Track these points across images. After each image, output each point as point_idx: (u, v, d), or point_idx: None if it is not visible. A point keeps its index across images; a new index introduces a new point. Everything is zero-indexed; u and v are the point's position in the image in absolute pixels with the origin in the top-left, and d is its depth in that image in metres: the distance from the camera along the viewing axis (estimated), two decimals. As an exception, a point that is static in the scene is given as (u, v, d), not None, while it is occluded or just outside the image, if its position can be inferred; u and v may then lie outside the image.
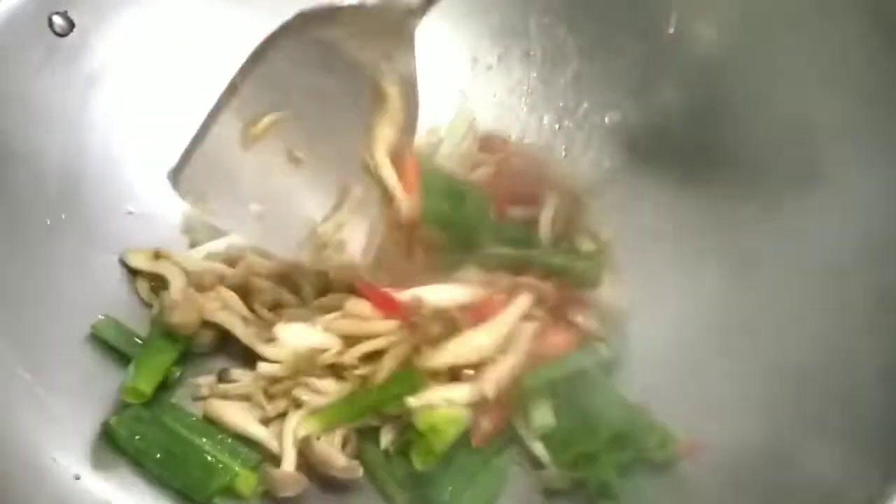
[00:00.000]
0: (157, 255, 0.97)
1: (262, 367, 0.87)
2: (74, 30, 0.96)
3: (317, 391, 0.86)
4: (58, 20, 0.95)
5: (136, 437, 0.85)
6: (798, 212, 0.89)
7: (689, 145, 1.01)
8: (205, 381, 0.91)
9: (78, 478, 0.81)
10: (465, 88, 1.12)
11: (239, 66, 0.93)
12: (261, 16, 1.04)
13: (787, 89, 0.92)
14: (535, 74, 1.10)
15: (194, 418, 0.89)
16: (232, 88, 0.82)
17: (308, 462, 0.85)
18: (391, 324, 0.86)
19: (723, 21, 0.97)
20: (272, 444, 0.86)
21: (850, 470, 0.74)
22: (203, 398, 0.91)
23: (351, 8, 0.81)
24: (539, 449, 0.87)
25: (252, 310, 0.93)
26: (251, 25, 1.07)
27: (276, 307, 0.93)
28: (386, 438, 0.87)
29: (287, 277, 0.94)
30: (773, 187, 0.92)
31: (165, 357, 0.90)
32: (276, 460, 0.86)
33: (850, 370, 0.80)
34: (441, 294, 0.89)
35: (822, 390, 0.80)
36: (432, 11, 1.08)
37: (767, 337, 0.87)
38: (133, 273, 0.98)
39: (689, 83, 1.02)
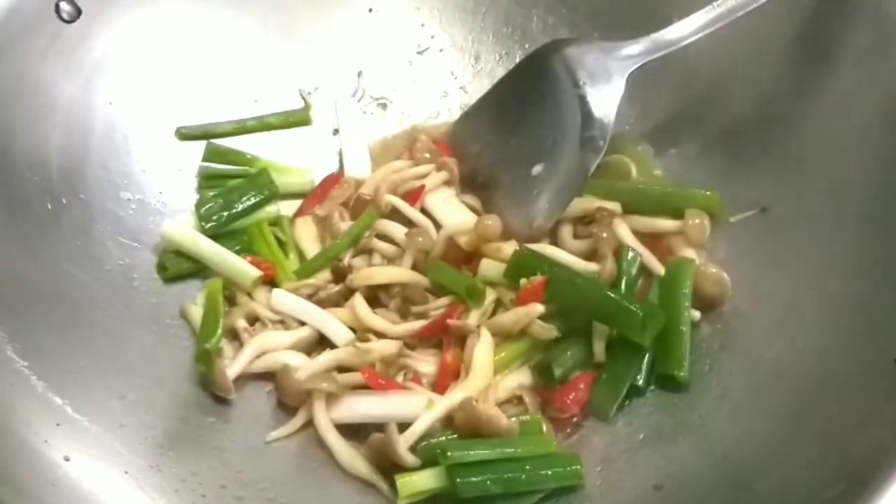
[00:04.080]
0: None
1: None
2: (80, 16, 0.97)
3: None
4: (65, 6, 0.97)
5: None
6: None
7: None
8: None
9: (67, 459, 0.81)
10: (467, 84, 1.14)
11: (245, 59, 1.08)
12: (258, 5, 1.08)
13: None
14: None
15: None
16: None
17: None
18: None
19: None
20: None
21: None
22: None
23: (585, 40, 1.01)
24: None
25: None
26: (248, 20, 1.10)
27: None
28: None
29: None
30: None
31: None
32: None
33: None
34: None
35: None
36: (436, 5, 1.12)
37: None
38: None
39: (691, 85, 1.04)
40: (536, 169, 0.99)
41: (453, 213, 1.01)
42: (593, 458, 0.88)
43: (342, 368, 0.93)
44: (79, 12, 0.97)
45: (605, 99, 0.96)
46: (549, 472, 0.84)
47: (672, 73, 1.02)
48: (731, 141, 1.01)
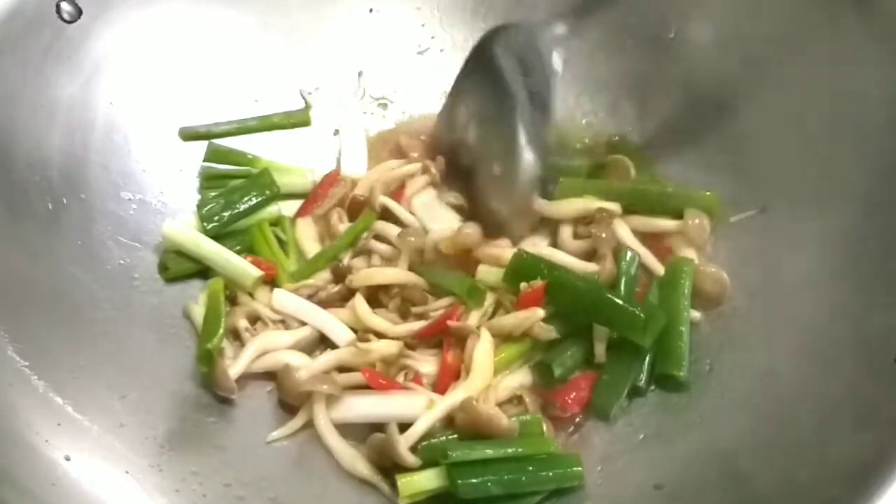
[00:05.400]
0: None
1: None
2: (81, 16, 0.97)
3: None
4: (66, 6, 0.97)
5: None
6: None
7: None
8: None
9: (68, 459, 0.81)
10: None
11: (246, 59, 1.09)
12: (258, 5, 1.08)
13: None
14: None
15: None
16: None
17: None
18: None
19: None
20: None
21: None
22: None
23: (518, 24, 1.03)
24: None
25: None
26: (249, 20, 1.10)
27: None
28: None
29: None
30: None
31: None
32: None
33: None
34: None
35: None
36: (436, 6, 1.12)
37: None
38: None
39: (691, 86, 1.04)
40: (502, 155, 1.00)
41: (435, 217, 1.02)
42: (593, 458, 0.88)
43: (343, 368, 0.93)
44: (79, 12, 0.98)
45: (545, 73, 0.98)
46: (550, 474, 0.84)
47: (673, 74, 1.02)
48: (732, 141, 1.02)
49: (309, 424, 0.91)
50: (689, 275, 0.94)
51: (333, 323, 0.96)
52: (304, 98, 1.13)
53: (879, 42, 0.91)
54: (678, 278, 0.94)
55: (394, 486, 0.85)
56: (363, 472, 0.88)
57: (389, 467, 0.87)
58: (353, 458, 0.88)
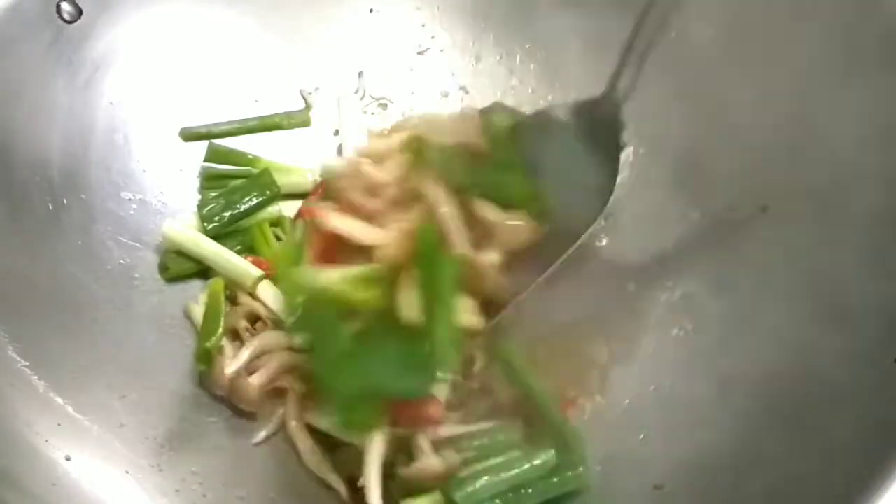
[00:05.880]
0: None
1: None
2: (82, 17, 0.97)
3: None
4: (66, 6, 0.97)
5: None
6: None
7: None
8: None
9: (68, 459, 0.81)
10: (467, 84, 1.14)
11: (246, 59, 1.08)
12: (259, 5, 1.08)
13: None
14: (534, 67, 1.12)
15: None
16: None
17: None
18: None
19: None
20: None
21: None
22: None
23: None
24: None
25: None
26: (249, 20, 1.10)
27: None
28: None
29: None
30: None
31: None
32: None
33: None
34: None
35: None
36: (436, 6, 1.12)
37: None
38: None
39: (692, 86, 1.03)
40: None
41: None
42: (593, 458, 0.88)
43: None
44: (80, 12, 0.97)
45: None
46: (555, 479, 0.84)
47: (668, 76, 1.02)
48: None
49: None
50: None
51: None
52: (304, 98, 1.13)
53: (880, 40, 0.90)
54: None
55: (355, 491, 0.85)
56: (327, 476, 0.88)
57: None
58: (319, 462, 0.89)
